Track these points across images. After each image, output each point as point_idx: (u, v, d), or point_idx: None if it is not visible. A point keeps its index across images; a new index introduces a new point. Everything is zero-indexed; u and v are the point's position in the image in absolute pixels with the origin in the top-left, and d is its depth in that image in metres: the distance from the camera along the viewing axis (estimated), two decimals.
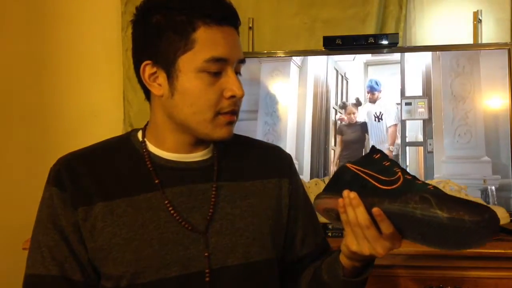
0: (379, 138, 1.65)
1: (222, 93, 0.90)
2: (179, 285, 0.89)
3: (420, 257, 1.35)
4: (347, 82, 1.69)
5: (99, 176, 0.92)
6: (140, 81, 0.93)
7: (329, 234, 1.46)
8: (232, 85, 0.90)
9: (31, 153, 1.91)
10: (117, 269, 0.88)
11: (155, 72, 0.91)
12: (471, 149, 1.59)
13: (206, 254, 0.91)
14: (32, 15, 1.92)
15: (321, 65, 1.69)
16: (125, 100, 1.88)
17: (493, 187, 1.55)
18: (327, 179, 1.58)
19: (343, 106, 1.67)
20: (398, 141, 1.64)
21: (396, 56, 1.65)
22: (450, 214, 0.74)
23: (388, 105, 1.65)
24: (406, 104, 1.65)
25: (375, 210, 0.81)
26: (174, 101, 0.90)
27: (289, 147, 1.66)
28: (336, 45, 1.65)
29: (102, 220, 0.89)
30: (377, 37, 1.63)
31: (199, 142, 0.96)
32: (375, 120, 1.66)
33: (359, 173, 0.88)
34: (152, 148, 0.96)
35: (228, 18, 0.90)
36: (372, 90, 1.66)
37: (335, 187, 0.91)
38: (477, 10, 1.71)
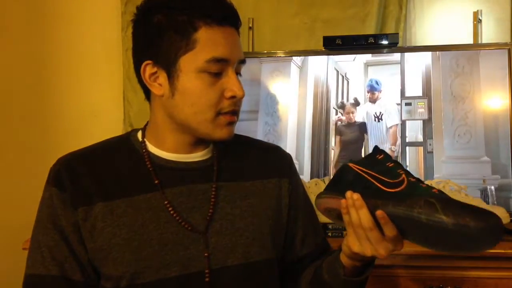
0: (379, 139, 1.65)
1: (222, 93, 0.90)
2: (179, 285, 0.89)
3: (420, 257, 1.35)
4: (347, 82, 1.68)
5: (99, 176, 0.92)
6: (141, 81, 0.93)
7: (329, 234, 1.46)
8: (232, 85, 0.90)
9: (31, 153, 1.91)
10: (117, 269, 0.88)
11: (155, 72, 0.91)
12: (470, 149, 1.59)
13: (206, 254, 0.91)
14: (32, 15, 1.92)
15: (321, 65, 1.69)
16: (125, 100, 1.88)
17: (492, 187, 1.55)
18: (327, 179, 1.59)
19: (342, 106, 1.67)
20: (398, 141, 1.64)
21: (396, 56, 1.65)
22: (455, 219, 0.74)
23: (388, 105, 1.65)
24: (406, 104, 1.64)
25: (379, 213, 0.80)
26: (175, 101, 0.90)
27: (289, 147, 1.66)
28: (336, 45, 1.64)
29: (102, 220, 0.89)
30: (377, 37, 1.63)
31: (199, 142, 0.96)
32: (375, 120, 1.65)
33: (362, 173, 0.87)
34: (152, 148, 0.96)
35: (229, 18, 0.90)
36: (372, 89, 1.66)
37: (337, 186, 0.90)
38: (477, 10, 1.71)
